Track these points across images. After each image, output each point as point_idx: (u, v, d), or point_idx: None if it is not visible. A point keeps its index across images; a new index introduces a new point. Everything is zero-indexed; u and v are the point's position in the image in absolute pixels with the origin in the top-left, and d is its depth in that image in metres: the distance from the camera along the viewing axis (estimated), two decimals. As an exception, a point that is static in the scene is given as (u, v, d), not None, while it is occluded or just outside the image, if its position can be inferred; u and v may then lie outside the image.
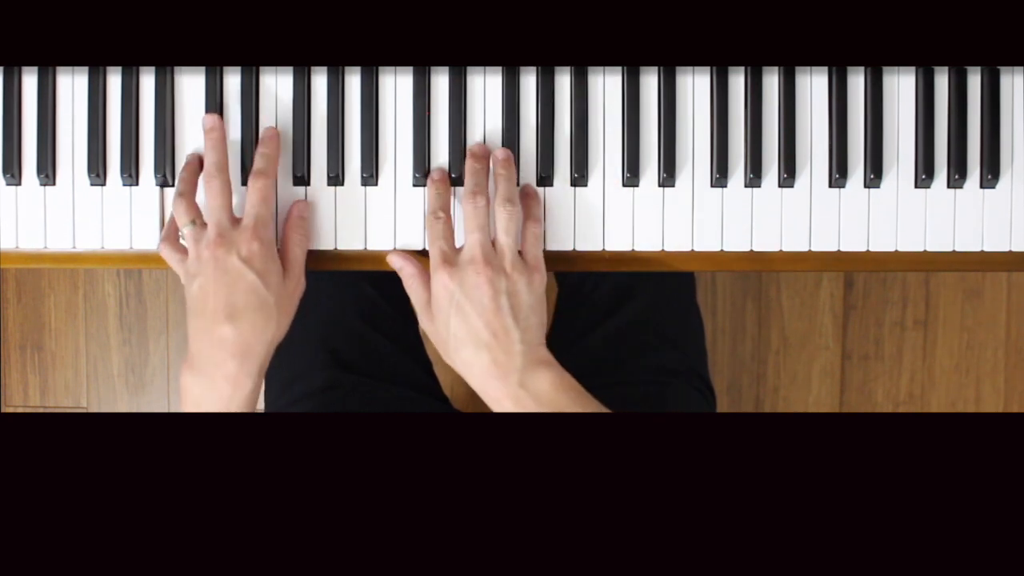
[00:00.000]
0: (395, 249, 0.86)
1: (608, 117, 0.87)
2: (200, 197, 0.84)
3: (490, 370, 0.79)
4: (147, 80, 0.86)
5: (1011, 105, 0.88)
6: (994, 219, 0.88)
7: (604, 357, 1.07)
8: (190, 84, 0.86)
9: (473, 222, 0.81)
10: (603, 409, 0.81)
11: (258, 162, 0.84)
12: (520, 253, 0.83)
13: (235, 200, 0.84)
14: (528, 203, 0.85)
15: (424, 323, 0.84)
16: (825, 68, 0.87)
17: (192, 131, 0.86)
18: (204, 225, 0.82)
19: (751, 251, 0.87)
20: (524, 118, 0.87)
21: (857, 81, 0.87)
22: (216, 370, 0.80)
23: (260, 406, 1.01)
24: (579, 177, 0.86)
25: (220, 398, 0.80)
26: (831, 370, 1.64)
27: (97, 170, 0.86)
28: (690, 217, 0.87)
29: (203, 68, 0.86)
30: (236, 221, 0.82)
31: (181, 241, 0.84)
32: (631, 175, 0.86)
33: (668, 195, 0.87)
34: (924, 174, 0.87)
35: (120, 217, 0.86)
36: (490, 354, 0.79)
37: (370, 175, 0.86)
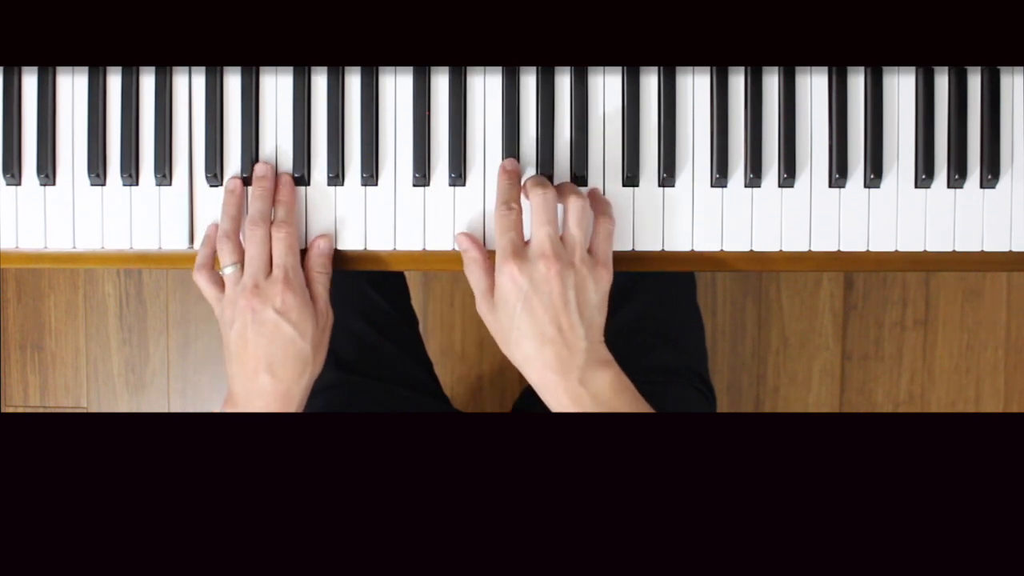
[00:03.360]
0: (463, 232, 0.86)
1: (608, 117, 0.87)
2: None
3: (552, 365, 0.79)
4: (147, 80, 0.86)
5: (1011, 105, 0.88)
6: (994, 219, 0.88)
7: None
8: (190, 84, 0.86)
9: (543, 215, 0.81)
10: (652, 411, 0.81)
11: (279, 212, 0.84)
12: (589, 249, 0.82)
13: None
14: (598, 200, 0.85)
15: (482, 311, 0.83)
16: (825, 68, 0.87)
17: (192, 131, 0.86)
18: (244, 269, 0.83)
19: (751, 251, 0.87)
20: (524, 118, 0.87)
21: (857, 81, 0.87)
22: (259, 411, 0.82)
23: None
24: (579, 177, 0.86)
25: None
26: (831, 370, 1.64)
27: (97, 170, 0.86)
28: (690, 217, 0.87)
29: (203, 68, 0.86)
30: (270, 270, 0.83)
31: (218, 271, 0.85)
32: (631, 175, 0.86)
33: (668, 195, 0.87)
34: (924, 174, 0.87)
35: (120, 217, 0.86)
36: (554, 349, 0.79)
37: (370, 175, 0.86)
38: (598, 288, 0.81)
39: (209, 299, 0.85)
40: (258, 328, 0.81)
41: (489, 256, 0.84)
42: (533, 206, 0.81)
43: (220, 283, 0.84)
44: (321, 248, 0.86)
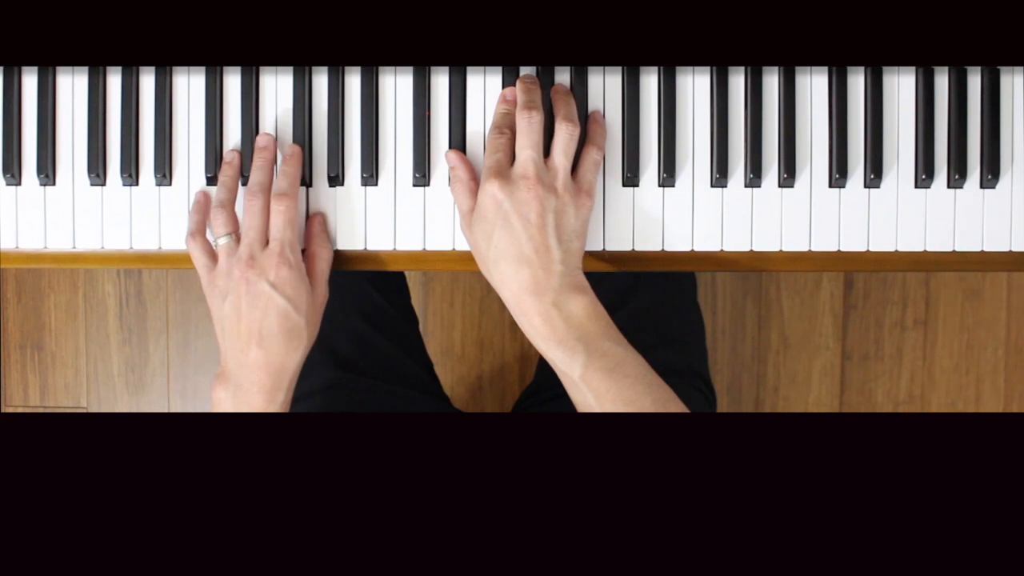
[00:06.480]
0: (454, 151, 0.86)
1: (608, 117, 0.87)
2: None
3: (527, 286, 0.80)
4: (147, 80, 0.86)
5: (1011, 105, 0.88)
6: (994, 219, 0.88)
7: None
8: (190, 84, 0.86)
9: (527, 138, 0.82)
10: (627, 344, 0.81)
11: (280, 183, 0.84)
12: (574, 176, 0.83)
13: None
14: (593, 128, 0.85)
15: (464, 230, 0.84)
16: (825, 68, 0.87)
17: (192, 131, 0.86)
18: (239, 240, 0.82)
19: (751, 251, 0.87)
20: (524, 118, 0.87)
21: (857, 81, 0.87)
22: (251, 385, 0.82)
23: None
24: (579, 177, 0.86)
25: (253, 411, 0.82)
26: (831, 370, 1.64)
27: (97, 170, 0.86)
28: (690, 217, 0.87)
29: (203, 68, 0.86)
30: (267, 242, 0.83)
31: (208, 238, 0.85)
32: (631, 175, 0.86)
33: (668, 195, 0.87)
34: (924, 174, 0.87)
35: (120, 217, 0.86)
36: (530, 270, 0.79)
37: (370, 175, 0.86)
38: (578, 215, 0.82)
39: (199, 267, 0.84)
40: (252, 301, 0.81)
41: (476, 178, 0.85)
42: (519, 129, 0.82)
43: (213, 252, 0.84)
44: (322, 224, 0.86)
